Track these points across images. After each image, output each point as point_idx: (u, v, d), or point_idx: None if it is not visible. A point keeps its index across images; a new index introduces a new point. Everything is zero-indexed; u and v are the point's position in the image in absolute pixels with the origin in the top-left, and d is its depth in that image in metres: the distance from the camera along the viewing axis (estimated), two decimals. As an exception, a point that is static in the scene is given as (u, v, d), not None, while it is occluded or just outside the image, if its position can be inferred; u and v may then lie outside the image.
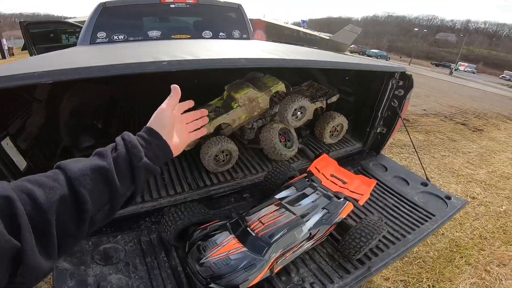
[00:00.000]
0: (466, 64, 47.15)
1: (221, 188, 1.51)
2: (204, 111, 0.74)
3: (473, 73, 43.07)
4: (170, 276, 1.00)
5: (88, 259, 1.01)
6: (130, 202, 0.56)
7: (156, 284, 0.96)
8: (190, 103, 0.71)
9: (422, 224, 1.41)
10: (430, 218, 1.45)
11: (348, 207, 1.15)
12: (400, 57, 55.64)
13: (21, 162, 1.13)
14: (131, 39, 2.70)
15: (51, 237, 0.40)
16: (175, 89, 0.65)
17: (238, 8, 3.18)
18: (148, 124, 0.61)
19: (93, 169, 0.48)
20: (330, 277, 1.07)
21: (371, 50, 45.65)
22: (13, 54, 15.06)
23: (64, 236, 0.42)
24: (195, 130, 0.72)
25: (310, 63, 1.27)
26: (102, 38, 2.59)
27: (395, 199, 1.58)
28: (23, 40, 4.14)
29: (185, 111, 0.70)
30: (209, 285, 0.86)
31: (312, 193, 1.18)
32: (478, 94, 14.42)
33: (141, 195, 1.36)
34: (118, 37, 2.65)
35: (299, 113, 1.77)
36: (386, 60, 39.35)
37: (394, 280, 2.02)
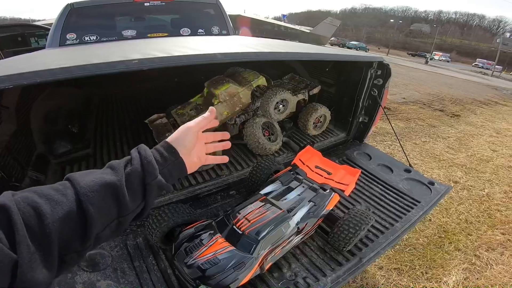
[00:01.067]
0: (441, 53, 49.02)
1: (206, 186, 1.48)
2: (226, 134, 0.71)
3: (448, 61, 44.81)
4: (161, 279, 0.97)
5: (75, 267, 0.98)
6: (139, 218, 0.54)
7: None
8: (214, 123, 0.68)
9: (408, 211, 1.43)
10: (416, 205, 1.48)
11: (335, 199, 1.15)
12: (379, 48, 57.02)
13: None
14: (104, 39, 2.60)
15: (52, 252, 0.39)
16: (212, 112, 0.64)
17: (216, 4, 3.12)
18: (169, 139, 0.59)
19: (103, 185, 0.46)
20: (323, 270, 1.07)
21: (351, 42, 46.38)
22: None
23: (68, 252, 0.42)
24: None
25: (288, 55, 1.25)
26: (72, 40, 2.48)
27: (381, 187, 1.61)
28: None
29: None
30: (199, 287, 0.84)
31: (298, 186, 1.17)
32: (454, 82, 14.98)
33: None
34: (89, 38, 2.55)
35: (281, 106, 1.76)
36: (365, 51, 40.17)
37: (387, 269, 2.04)
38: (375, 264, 2.08)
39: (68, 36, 2.45)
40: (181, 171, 0.58)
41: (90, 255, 1.03)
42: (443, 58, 45.64)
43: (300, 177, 1.22)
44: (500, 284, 2.01)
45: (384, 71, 1.79)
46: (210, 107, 0.64)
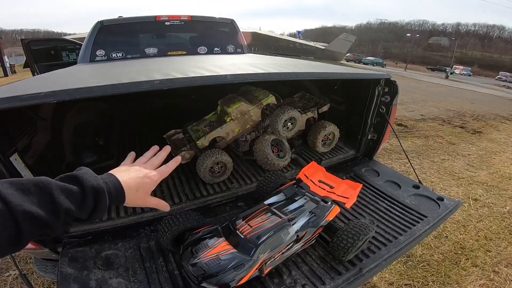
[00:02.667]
0: (462, 67, 47.63)
1: (217, 197, 1.57)
2: (155, 148, 0.78)
3: (469, 75, 43.42)
4: (168, 280, 1.05)
5: (91, 265, 1.08)
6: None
7: (154, 287, 1.01)
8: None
9: (414, 225, 1.42)
10: (422, 220, 1.47)
11: (335, 210, 1.20)
12: (396, 63, 56.30)
13: (28, 177, 1.19)
14: (129, 56, 2.81)
15: None
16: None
17: (232, 23, 3.31)
18: (120, 178, 0.62)
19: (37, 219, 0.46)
20: (322, 278, 1.10)
21: (367, 58, 46.11)
22: (15, 72, 15.02)
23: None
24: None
25: (294, 75, 1.34)
26: (101, 56, 2.70)
27: (387, 202, 1.62)
28: (24, 57, 4.25)
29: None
30: (201, 284, 0.92)
31: (300, 198, 1.24)
32: (475, 97, 14.48)
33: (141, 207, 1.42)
34: (116, 54, 2.76)
35: (289, 124, 1.84)
36: (382, 66, 39.77)
37: (398, 285, 2.00)
38: (386, 280, 2.04)
39: (97, 52, 2.66)
40: (118, 205, 0.63)
41: (106, 255, 1.14)
42: (464, 72, 44.32)
43: (303, 190, 1.29)
44: (519, 300, 1.92)
45: (392, 88, 1.83)
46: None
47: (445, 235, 2.60)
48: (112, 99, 2.58)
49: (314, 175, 1.39)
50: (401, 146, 2.13)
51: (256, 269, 0.97)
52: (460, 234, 2.64)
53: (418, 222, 1.45)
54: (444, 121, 7.49)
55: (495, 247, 2.46)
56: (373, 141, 2.06)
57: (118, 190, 0.59)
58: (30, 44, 3.91)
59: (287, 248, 1.06)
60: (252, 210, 1.14)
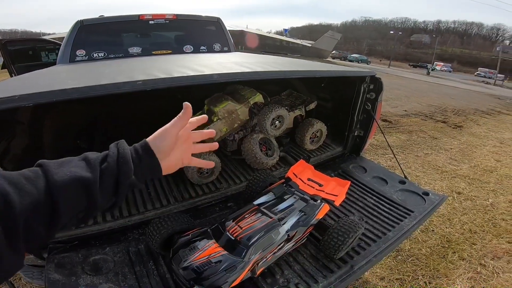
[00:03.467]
0: (442, 63, 49.39)
1: (206, 199, 1.55)
2: (212, 132, 0.69)
3: (450, 72, 45.06)
4: (159, 283, 1.03)
5: (79, 270, 1.05)
6: (107, 211, 0.57)
7: None
8: (203, 118, 0.67)
9: (401, 221, 1.45)
10: (409, 215, 1.50)
11: (324, 209, 1.21)
12: (380, 60, 57.61)
13: None
14: (112, 56, 2.72)
15: (18, 237, 0.40)
16: (187, 109, 0.60)
17: (218, 22, 3.26)
18: (148, 139, 0.58)
19: (77, 180, 0.46)
20: (314, 277, 1.10)
21: (352, 55, 46.95)
22: None
23: (34, 237, 0.42)
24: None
25: (280, 74, 1.34)
26: (82, 56, 2.60)
27: (375, 198, 1.64)
28: (1, 58, 4.08)
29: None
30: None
31: (289, 197, 1.24)
32: (456, 92, 15.00)
33: (127, 209, 1.38)
34: (98, 54, 2.67)
35: (277, 122, 1.84)
36: (367, 64, 40.57)
37: (389, 279, 2.04)
38: (377, 274, 2.08)
39: (78, 52, 2.56)
40: (155, 172, 0.57)
41: (94, 260, 1.11)
42: (445, 69, 45.97)
43: (292, 189, 1.29)
44: (508, 293, 1.99)
45: (377, 85, 1.86)
46: (185, 103, 0.61)
47: (431, 229, 2.67)
48: (95, 101, 2.50)
49: (302, 173, 1.39)
50: (387, 142, 2.18)
51: (248, 270, 0.97)
52: (446, 227, 2.71)
53: (405, 218, 1.48)
54: (427, 116, 7.73)
55: (480, 240, 2.54)
56: (360, 138, 2.09)
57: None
58: (7, 44, 3.79)
59: (278, 248, 1.06)
60: (242, 211, 1.14)
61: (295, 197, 1.24)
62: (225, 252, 0.98)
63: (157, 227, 1.09)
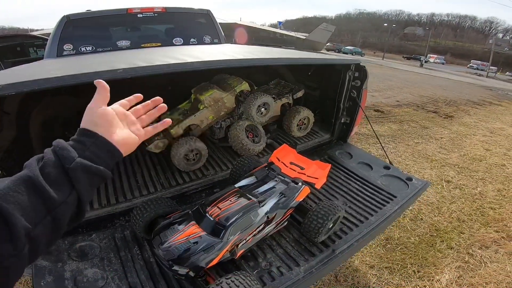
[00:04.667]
0: (435, 56, 49.70)
1: (193, 185, 1.57)
2: (158, 100, 0.68)
3: (443, 64, 45.38)
4: (143, 267, 1.06)
5: (65, 257, 1.07)
6: (82, 211, 0.52)
7: (130, 275, 1.02)
8: (137, 98, 0.65)
9: (384, 206, 1.47)
10: (392, 200, 1.52)
11: (305, 191, 1.23)
12: (374, 53, 57.59)
13: None
14: (100, 50, 2.71)
15: None
16: (99, 84, 0.59)
17: (207, 14, 3.25)
18: (81, 124, 0.56)
19: (16, 181, 0.44)
20: (296, 260, 1.13)
21: (346, 47, 46.81)
22: None
23: (3, 257, 0.39)
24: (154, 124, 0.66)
25: (263, 61, 1.36)
26: (69, 50, 2.59)
27: (359, 183, 1.67)
28: None
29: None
30: (172, 268, 0.93)
31: (271, 180, 1.26)
32: (448, 84, 15.07)
33: (115, 197, 1.41)
34: (86, 48, 2.65)
35: (263, 109, 1.87)
36: (361, 56, 40.57)
37: (379, 268, 2.05)
38: (367, 263, 2.09)
39: (65, 47, 2.55)
40: (109, 151, 0.54)
41: (80, 246, 1.13)
42: (438, 61, 46.28)
43: (274, 172, 1.31)
44: (495, 282, 2.00)
45: (361, 72, 1.89)
46: (96, 80, 0.61)
47: (420, 217, 2.68)
48: (81, 93, 2.50)
49: (285, 157, 1.42)
50: (372, 128, 2.21)
51: (227, 251, 0.99)
52: (435, 216, 2.72)
53: (388, 203, 1.50)
54: (418, 106, 7.79)
55: (468, 229, 2.55)
56: (346, 125, 2.13)
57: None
58: None
59: (258, 230, 1.08)
60: (222, 193, 1.16)
61: (276, 180, 1.26)
62: (204, 233, 1.00)
63: (140, 212, 1.12)
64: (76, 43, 2.60)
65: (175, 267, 0.92)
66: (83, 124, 0.55)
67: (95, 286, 0.97)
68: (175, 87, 2.29)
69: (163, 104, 0.69)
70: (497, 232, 2.55)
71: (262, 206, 1.11)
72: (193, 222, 1.04)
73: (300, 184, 1.25)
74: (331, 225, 1.18)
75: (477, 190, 3.32)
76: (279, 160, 1.40)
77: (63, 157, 0.49)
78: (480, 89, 14.61)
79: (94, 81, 0.60)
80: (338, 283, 1.92)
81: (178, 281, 1.02)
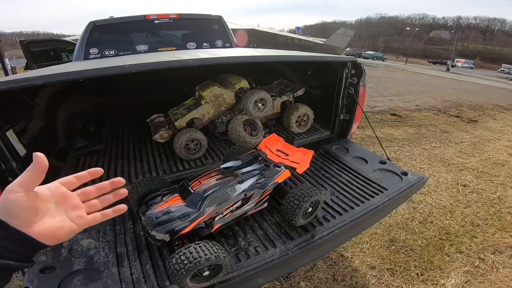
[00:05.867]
0: (463, 60, 47.28)
1: (192, 172, 1.70)
2: (118, 182, 0.57)
3: (471, 68, 43.06)
4: (133, 239, 1.19)
5: None
6: None
7: (120, 246, 1.15)
8: (91, 174, 0.55)
9: (372, 197, 1.47)
10: (382, 192, 1.51)
11: (285, 174, 1.30)
12: (397, 57, 55.92)
13: (21, 150, 1.34)
14: (121, 53, 2.95)
15: None
16: (35, 158, 0.48)
17: (219, 20, 3.44)
18: None
19: None
20: (274, 242, 1.18)
21: (367, 52, 45.91)
22: (16, 74, 15.07)
23: None
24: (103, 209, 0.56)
25: (257, 58, 1.47)
26: (95, 54, 2.84)
27: (350, 175, 1.69)
28: (25, 59, 4.37)
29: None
30: (151, 233, 1.05)
31: (254, 163, 1.36)
32: (475, 88, 14.35)
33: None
34: (109, 52, 2.90)
35: (260, 104, 1.98)
36: (383, 60, 39.63)
37: (380, 269, 2.02)
38: (367, 263, 2.07)
39: (91, 50, 2.80)
40: (25, 243, 0.45)
41: None
42: (466, 65, 44.00)
43: (260, 157, 1.40)
44: (505, 288, 1.88)
45: (358, 70, 1.94)
46: (35, 153, 0.48)
47: (430, 220, 2.62)
48: (103, 91, 2.75)
49: (273, 145, 1.52)
50: (370, 125, 2.22)
51: (202, 220, 1.09)
52: (446, 219, 2.64)
53: (378, 194, 1.50)
54: (440, 110, 7.50)
55: (481, 233, 2.45)
56: (346, 121, 2.17)
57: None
58: (29, 45, 4.04)
59: (236, 206, 1.17)
60: (206, 170, 1.27)
61: (259, 164, 1.35)
62: (183, 204, 1.11)
63: (136, 187, 1.25)
64: (100, 47, 2.85)
65: (153, 232, 1.03)
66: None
67: (86, 255, 1.09)
68: (187, 87, 2.48)
69: (124, 189, 0.59)
70: (513, 236, 2.43)
71: (240, 183, 1.20)
72: (177, 194, 1.16)
73: (282, 168, 1.32)
74: (309, 209, 1.24)
75: (496, 195, 3.18)
76: (267, 148, 1.49)
77: None
78: (511, 93, 13.76)
79: (33, 154, 0.48)
80: (336, 282, 1.92)
81: (159, 251, 1.13)
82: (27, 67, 4.50)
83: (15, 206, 0.46)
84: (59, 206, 0.51)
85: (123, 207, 0.57)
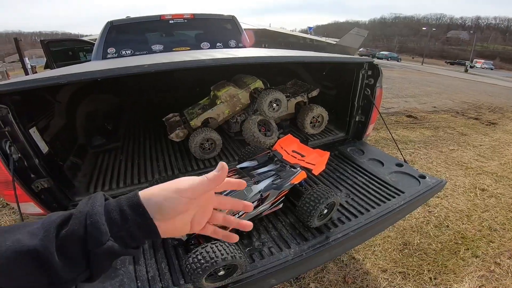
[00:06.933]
0: (483, 60, 45.72)
1: (207, 171, 1.71)
2: (248, 206, 0.55)
3: (491, 69, 41.56)
4: None
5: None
6: (89, 282, 0.42)
7: None
8: (240, 184, 0.51)
9: (388, 200, 1.44)
10: (399, 195, 1.47)
11: (301, 175, 1.29)
12: (413, 58, 54.63)
13: (43, 147, 1.38)
14: (137, 53, 3.02)
15: None
16: (222, 170, 0.46)
17: (233, 20, 3.46)
18: (143, 193, 0.43)
19: (19, 252, 0.36)
20: (288, 243, 1.17)
21: (381, 52, 45.05)
22: (36, 73, 15.53)
23: None
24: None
25: (268, 59, 1.47)
26: (112, 54, 2.91)
27: (366, 178, 1.65)
28: (45, 59, 4.52)
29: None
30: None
31: (270, 164, 1.35)
32: (495, 90, 13.82)
33: (138, 178, 1.60)
34: (126, 52, 2.96)
35: (275, 105, 1.98)
36: (397, 61, 38.79)
37: (392, 272, 1.99)
38: (379, 266, 2.04)
39: (109, 50, 2.87)
40: (148, 234, 0.42)
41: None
42: (486, 66, 42.50)
43: (276, 158, 1.39)
44: (521, 294, 1.85)
45: (374, 71, 1.91)
46: (221, 163, 0.46)
47: (446, 224, 2.56)
48: (121, 91, 2.82)
49: (288, 146, 1.51)
50: (386, 126, 2.19)
51: None
52: (463, 223, 2.58)
53: (394, 197, 1.46)
54: (458, 113, 7.27)
55: (499, 238, 2.38)
56: (362, 123, 2.13)
57: None
58: (49, 44, 4.19)
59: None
60: None
61: (275, 164, 1.35)
62: None
63: (154, 184, 1.27)
64: (118, 47, 2.92)
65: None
66: (148, 198, 0.43)
67: None
68: (201, 87, 2.51)
69: (249, 223, 0.55)
70: (533, 242, 2.34)
71: (257, 184, 1.19)
72: None
73: (298, 169, 1.31)
74: (325, 211, 1.23)
75: (515, 199, 3.05)
76: (282, 148, 1.49)
77: (91, 236, 0.39)
78: (533, 95, 13.18)
79: (219, 163, 0.47)
80: (346, 284, 1.90)
81: (174, 249, 1.14)
82: (47, 66, 4.66)
83: (173, 207, 0.43)
84: (193, 209, 0.47)
85: (235, 238, 0.56)
